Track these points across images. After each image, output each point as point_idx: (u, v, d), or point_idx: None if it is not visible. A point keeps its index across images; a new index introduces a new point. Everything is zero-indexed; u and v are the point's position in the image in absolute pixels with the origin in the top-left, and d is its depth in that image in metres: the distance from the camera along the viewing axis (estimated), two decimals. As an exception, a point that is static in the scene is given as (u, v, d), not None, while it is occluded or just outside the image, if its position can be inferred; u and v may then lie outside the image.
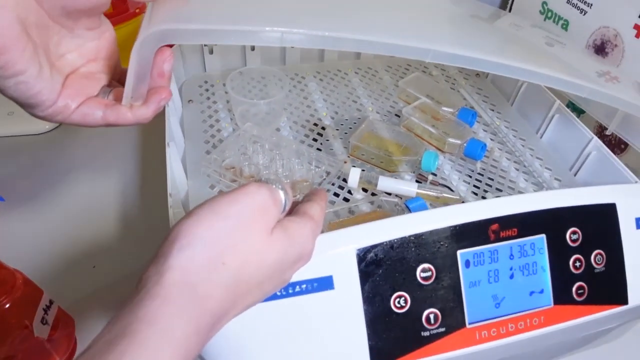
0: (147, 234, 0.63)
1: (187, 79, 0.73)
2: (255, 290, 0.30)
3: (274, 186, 0.31)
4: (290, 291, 0.34)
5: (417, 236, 0.36)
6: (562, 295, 0.40)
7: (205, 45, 0.72)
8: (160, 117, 0.44)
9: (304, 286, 0.34)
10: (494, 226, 0.38)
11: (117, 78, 0.41)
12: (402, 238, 0.36)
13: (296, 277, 0.34)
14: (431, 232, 0.36)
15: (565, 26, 0.74)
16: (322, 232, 0.35)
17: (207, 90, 0.71)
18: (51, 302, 0.48)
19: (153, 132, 0.76)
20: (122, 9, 0.75)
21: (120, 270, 0.59)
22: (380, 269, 0.35)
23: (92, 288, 0.57)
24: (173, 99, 0.64)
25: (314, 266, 0.34)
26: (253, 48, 0.73)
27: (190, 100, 0.68)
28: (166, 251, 0.28)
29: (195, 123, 0.65)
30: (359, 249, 0.35)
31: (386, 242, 0.35)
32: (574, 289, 0.40)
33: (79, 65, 0.37)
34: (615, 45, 0.66)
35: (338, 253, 0.35)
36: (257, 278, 0.29)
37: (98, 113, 0.36)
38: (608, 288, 0.41)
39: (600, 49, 0.69)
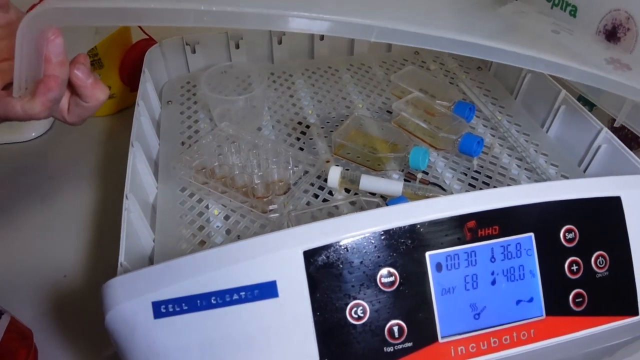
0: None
1: (170, 79, 0.70)
2: None
3: None
4: (228, 299, 0.30)
5: (377, 235, 0.31)
6: (556, 305, 0.34)
7: (187, 45, 0.69)
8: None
9: (242, 293, 0.30)
10: (470, 223, 0.32)
11: None
12: (357, 238, 0.31)
13: (234, 282, 0.30)
14: (393, 231, 0.31)
15: (574, 13, 0.68)
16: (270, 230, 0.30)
17: (188, 90, 0.67)
18: (1, 313, 0.45)
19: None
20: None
21: (90, 281, 0.56)
22: (333, 274, 0.30)
23: (59, 299, 0.54)
24: (150, 99, 0.61)
25: (254, 270, 0.30)
26: (237, 46, 0.70)
27: (169, 101, 0.65)
28: None
29: (173, 124, 0.62)
30: (306, 250, 0.30)
31: (339, 242, 0.30)
32: (570, 297, 0.34)
33: None
34: (628, 29, 0.60)
35: (282, 255, 0.30)
36: None
37: None
38: (613, 296, 0.35)
39: (612, 34, 0.63)
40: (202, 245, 0.47)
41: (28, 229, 0.62)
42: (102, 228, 0.62)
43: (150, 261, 0.47)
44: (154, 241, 0.47)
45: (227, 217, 0.50)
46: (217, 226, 0.49)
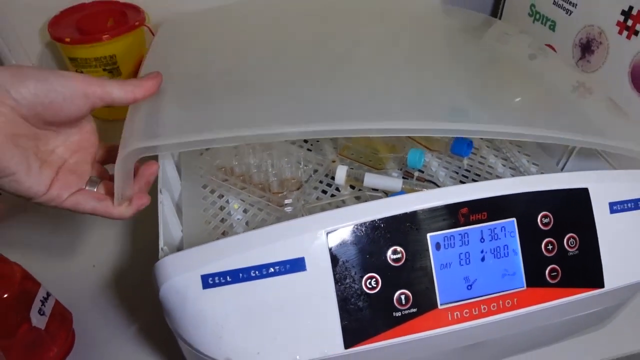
0: (148, 236, 0.65)
1: (185, 87, 0.76)
2: None
3: None
4: (264, 272, 0.36)
5: (387, 219, 0.37)
6: (535, 278, 0.40)
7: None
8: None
9: (277, 267, 0.36)
10: (464, 210, 0.39)
11: (99, 159, 0.46)
12: (372, 221, 0.37)
13: (269, 258, 0.36)
14: (400, 216, 0.37)
15: (553, 27, 0.76)
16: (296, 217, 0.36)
17: (203, 97, 0.73)
18: (48, 295, 0.50)
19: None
20: (122, 22, 0.78)
21: (118, 270, 0.61)
22: (351, 251, 0.37)
23: (91, 286, 0.60)
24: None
25: (286, 248, 0.36)
26: (248, 56, 0.76)
27: (186, 107, 0.71)
28: None
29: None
30: (329, 232, 0.36)
31: (356, 224, 0.37)
32: (547, 271, 0.41)
33: (67, 157, 0.42)
34: (600, 43, 0.67)
35: (310, 235, 0.36)
36: None
37: (90, 204, 0.41)
38: (583, 271, 0.42)
39: (586, 47, 0.70)
40: (225, 235, 0.53)
41: (58, 224, 0.67)
42: (125, 223, 0.67)
43: (178, 250, 0.52)
44: (181, 231, 0.53)
45: (246, 211, 0.56)
46: (238, 218, 0.55)
